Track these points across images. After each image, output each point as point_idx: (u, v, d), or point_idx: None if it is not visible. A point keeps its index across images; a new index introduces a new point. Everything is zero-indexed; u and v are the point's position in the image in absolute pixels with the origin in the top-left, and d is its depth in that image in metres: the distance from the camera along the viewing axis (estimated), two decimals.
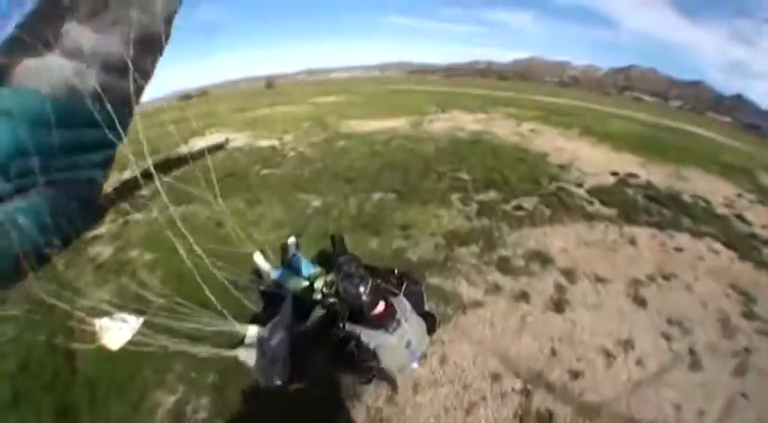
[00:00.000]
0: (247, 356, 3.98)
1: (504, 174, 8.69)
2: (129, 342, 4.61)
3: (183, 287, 5.12)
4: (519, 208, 7.48)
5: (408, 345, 2.96)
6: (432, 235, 6.55)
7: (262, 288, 4.88)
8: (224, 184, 8.32)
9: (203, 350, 4.25)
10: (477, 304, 5.12)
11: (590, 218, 7.25)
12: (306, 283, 4.27)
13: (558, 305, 5.13)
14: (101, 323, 4.93)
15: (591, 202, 7.84)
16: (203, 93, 66.19)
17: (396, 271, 3.40)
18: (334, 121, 14.06)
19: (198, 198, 7.71)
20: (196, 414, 3.95)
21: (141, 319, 4.92)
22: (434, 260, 5.93)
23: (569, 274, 5.71)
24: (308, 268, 4.63)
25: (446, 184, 8.20)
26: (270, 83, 60.59)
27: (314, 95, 27.05)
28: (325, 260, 5.38)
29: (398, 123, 12.61)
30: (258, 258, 5.37)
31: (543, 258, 6.07)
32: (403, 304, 3.06)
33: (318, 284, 4.06)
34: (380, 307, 2.92)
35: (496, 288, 5.41)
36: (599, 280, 5.61)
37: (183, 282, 5.21)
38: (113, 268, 6.33)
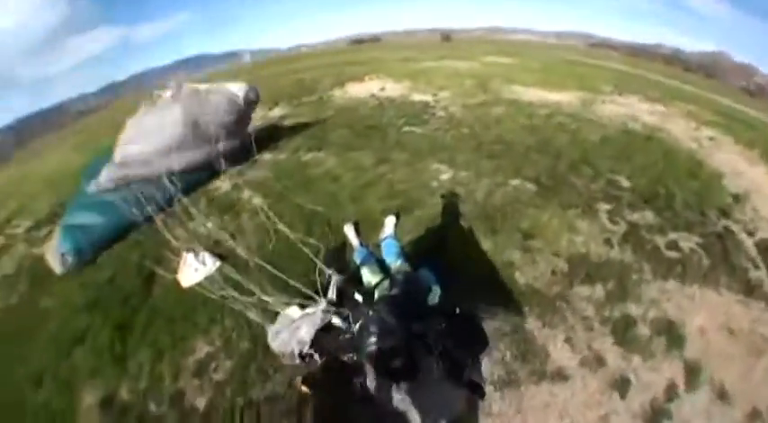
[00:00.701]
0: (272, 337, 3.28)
1: (671, 189, 6.37)
2: (199, 282, 4.68)
3: (272, 243, 5.17)
4: (674, 246, 5.18)
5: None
6: (555, 255, 4.88)
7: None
8: (361, 135, 7.96)
9: (253, 314, 3.87)
10: (562, 377, 3.66)
11: (749, 290, 4.73)
12: (376, 280, 3.34)
13: (655, 416, 3.43)
14: (186, 257, 4.94)
15: (756, 266, 5.13)
16: (375, 39, 67.73)
17: (457, 310, 2.27)
18: (498, 83, 12.55)
19: (329, 146, 7.47)
20: (215, 373, 3.89)
21: (218, 264, 4.98)
22: (543, 293, 4.40)
23: (691, 373, 3.75)
24: (393, 257, 3.71)
25: (599, 187, 6.26)
26: (446, 36, 58.88)
27: (486, 54, 25.01)
28: (421, 252, 4.62)
29: (566, 98, 10.63)
30: (349, 230, 4.99)
31: (673, 336, 4.06)
32: (430, 364, 1.97)
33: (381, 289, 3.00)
34: (397, 362, 1.92)
35: (598, 361, 3.81)
36: (722, 396, 3.60)
37: (274, 237, 5.21)
38: (222, 205, 6.47)
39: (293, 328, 3.06)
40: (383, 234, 4.73)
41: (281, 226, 4.60)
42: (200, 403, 3.68)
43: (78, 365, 4.38)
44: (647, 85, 14.02)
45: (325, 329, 2.44)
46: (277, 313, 3.76)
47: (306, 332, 2.92)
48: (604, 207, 5.72)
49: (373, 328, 1.95)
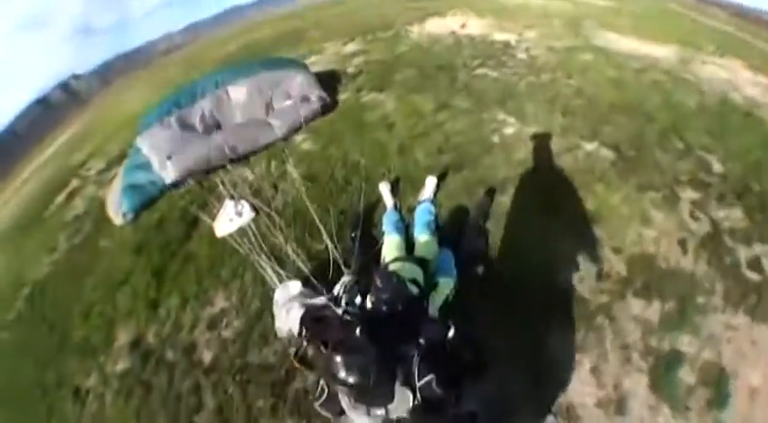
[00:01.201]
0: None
1: (766, 185, 4.71)
2: (231, 234, 4.77)
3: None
4: (756, 265, 3.81)
5: None
6: (615, 251, 3.91)
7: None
8: (428, 76, 7.45)
9: (268, 276, 3.97)
10: (573, 417, 2.94)
11: None
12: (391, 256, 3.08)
13: None
14: (226, 205, 4.99)
15: None
16: None
17: (451, 332, 1.99)
18: (590, 27, 10.84)
19: (393, 86, 7.08)
20: (225, 330, 3.97)
21: (252, 216, 4.99)
22: (585, 301, 3.52)
23: None
24: (421, 228, 3.55)
25: (687, 167, 4.90)
26: None
27: None
28: (457, 224, 4.28)
29: (664, 53, 8.78)
30: (384, 189, 4.63)
31: (720, 391, 3.03)
32: (406, 396, 1.78)
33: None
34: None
35: (619, 406, 2.98)
36: None
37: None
38: (272, 148, 6.38)
39: (288, 308, 3.04)
40: (421, 196, 4.40)
41: (305, 198, 4.56)
42: (207, 358, 3.80)
43: (119, 305, 4.72)
44: (752, 51, 11.29)
45: (319, 320, 2.18)
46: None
47: (296, 316, 2.82)
48: (689, 195, 4.50)
49: (347, 361, 1.74)
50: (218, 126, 6.58)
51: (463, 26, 11.53)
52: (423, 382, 1.77)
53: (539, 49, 8.73)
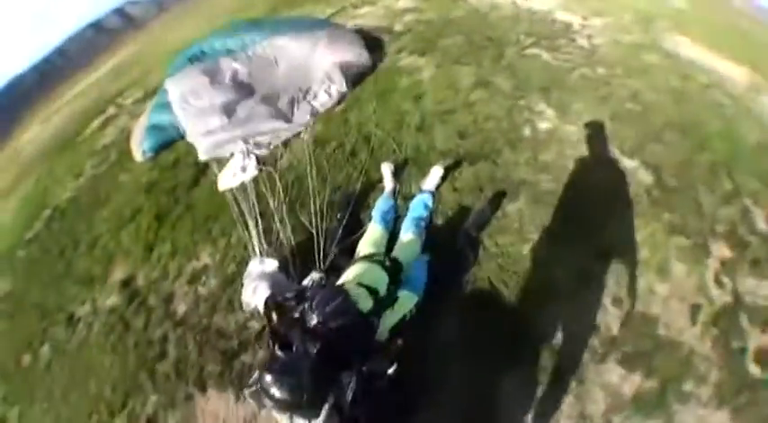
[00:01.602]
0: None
1: None
2: (231, 188, 4.74)
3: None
4: (763, 357, 3.15)
5: None
6: (615, 302, 3.38)
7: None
8: (475, 46, 6.93)
9: (251, 243, 4.00)
10: None
11: None
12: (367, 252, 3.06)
13: None
14: (234, 158, 5.06)
15: None
16: None
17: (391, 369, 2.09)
18: (662, 28, 9.62)
19: (435, 53, 6.70)
20: (202, 287, 4.17)
21: (254, 174, 4.89)
22: (559, 351, 3.18)
23: None
24: (409, 225, 3.48)
25: (728, 217, 3.95)
26: None
27: None
28: (452, 228, 3.95)
29: (734, 73, 7.60)
30: (386, 170, 4.29)
31: None
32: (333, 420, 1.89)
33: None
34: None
35: None
36: None
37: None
38: None
39: (256, 285, 3.19)
40: (423, 184, 4.12)
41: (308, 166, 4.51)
42: (180, 310, 4.05)
43: (122, 242, 5.05)
44: None
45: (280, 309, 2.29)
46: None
47: (260, 296, 2.97)
48: (722, 252, 3.71)
49: (279, 379, 1.81)
50: (250, 92, 6.01)
51: None
52: (351, 416, 1.86)
53: (602, 38, 7.82)
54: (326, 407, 1.85)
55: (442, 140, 4.82)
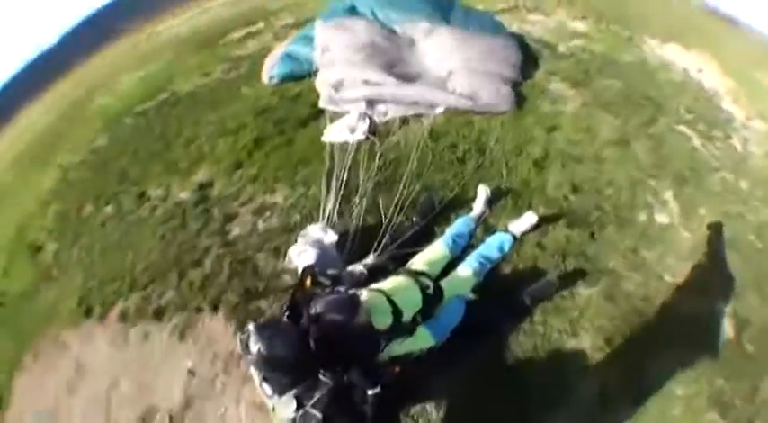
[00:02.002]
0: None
1: None
2: (333, 143, 4.78)
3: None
4: None
5: None
6: None
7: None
8: (630, 101, 5.99)
9: (323, 206, 4.01)
10: None
11: None
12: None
13: None
14: (349, 114, 5.19)
15: None
16: None
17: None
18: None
19: (587, 90, 6.12)
20: (262, 222, 4.29)
21: (360, 138, 4.85)
22: None
23: None
24: (476, 266, 3.21)
25: None
26: None
27: None
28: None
29: None
30: (481, 193, 3.95)
31: None
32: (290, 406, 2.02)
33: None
34: None
35: None
36: None
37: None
38: None
39: (306, 249, 3.28)
40: (510, 225, 3.67)
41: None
42: (234, 233, 4.22)
43: (216, 150, 5.31)
44: None
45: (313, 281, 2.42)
46: None
47: (303, 261, 3.16)
48: None
49: (271, 340, 1.92)
50: (388, 62, 5.77)
51: (700, 71, 9.70)
52: (309, 412, 1.97)
53: (758, 148, 6.87)
54: (291, 393, 1.97)
55: (553, 185, 4.41)
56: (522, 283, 3.42)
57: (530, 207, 3.97)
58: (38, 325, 4.29)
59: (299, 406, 2.02)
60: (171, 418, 3.37)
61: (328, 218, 3.82)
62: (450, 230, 3.48)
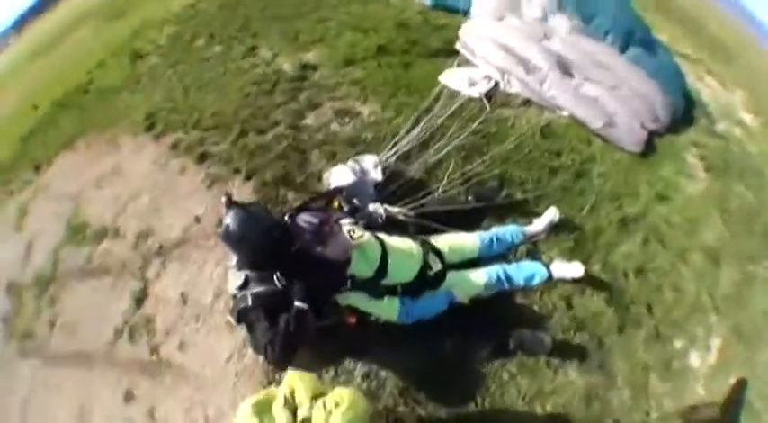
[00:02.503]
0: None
1: None
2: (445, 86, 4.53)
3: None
4: None
5: None
6: None
7: None
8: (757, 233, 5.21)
9: (394, 143, 3.82)
10: None
11: None
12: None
13: None
14: (477, 67, 4.90)
15: None
16: None
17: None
18: None
19: (720, 180, 5.18)
20: (338, 125, 4.18)
21: (471, 95, 4.49)
22: None
23: None
24: (494, 277, 2.89)
25: None
26: None
27: None
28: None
29: None
30: (549, 216, 3.45)
31: None
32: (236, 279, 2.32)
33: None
34: None
35: None
36: None
37: None
38: None
39: (348, 169, 3.26)
40: (555, 263, 3.19)
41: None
42: (307, 121, 4.19)
43: (345, 40, 5.24)
44: None
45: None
46: None
47: (337, 181, 3.20)
48: None
49: (254, 221, 2.10)
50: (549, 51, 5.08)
51: None
52: (245, 295, 2.17)
53: None
54: (244, 272, 2.22)
55: (622, 253, 3.68)
56: (523, 324, 3.00)
57: (586, 259, 3.40)
58: (105, 120, 4.60)
59: (244, 286, 2.21)
60: (161, 246, 3.57)
61: (395, 152, 3.63)
62: (496, 231, 3.16)
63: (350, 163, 3.34)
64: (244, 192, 3.56)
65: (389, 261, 2.40)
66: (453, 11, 5.74)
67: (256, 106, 4.36)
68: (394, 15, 5.64)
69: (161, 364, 3.12)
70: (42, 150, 5.32)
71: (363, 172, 3.29)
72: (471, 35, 5.08)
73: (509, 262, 3.05)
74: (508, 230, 3.19)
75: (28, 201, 4.77)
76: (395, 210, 3.05)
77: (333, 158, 3.74)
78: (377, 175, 3.31)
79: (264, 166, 3.74)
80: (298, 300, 2.08)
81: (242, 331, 2.70)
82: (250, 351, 2.80)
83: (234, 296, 2.30)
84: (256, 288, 2.18)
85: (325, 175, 3.43)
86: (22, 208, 4.73)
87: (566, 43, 5.10)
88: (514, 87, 4.71)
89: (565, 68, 4.85)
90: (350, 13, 5.68)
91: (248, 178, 3.67)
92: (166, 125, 4.41)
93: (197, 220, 3.52)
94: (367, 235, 2.42)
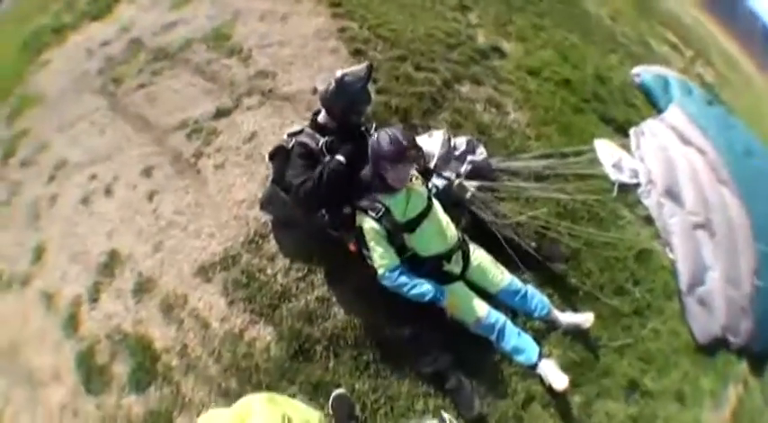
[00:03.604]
0: None
1: None
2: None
3: None
4: None
5: None
6: None
7: None
8: None
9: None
10: None
11: None
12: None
13: None
14: (623, 157, 4.61)
15: None
16: None
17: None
18: None
19: None
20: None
21: (624, 181, 4.32)
22: None
23: None
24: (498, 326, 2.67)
25: None
26: None
27: None
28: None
29: None
30: (585, 318, 3.11)
31: None
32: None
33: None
34: None
35: None
36: None
37: None
38: None
39: (439, 139, 3.30)
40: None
41: None
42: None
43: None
44: None
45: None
46: None
47: (428, 146, 3.18)
48: None
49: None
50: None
51: None
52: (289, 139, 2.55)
53: None
54: (296, 138, 2.49)
55: (610, 408, 3.12)
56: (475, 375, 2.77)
57: (577, 383, 3.00)
58: None
59: (295, 134, 2.55)
60: (270, 90, 3.83)
61: (507, 164, 3.67)
62: (529, 288, 2.92)
63: (451, 136, 3.37)
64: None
65: (423, 224, 2.40)
66: (652, 103, 5.59)
67: (431, 47, 4.43)
68: (600, 67, 5.58)
69: (191, 167, 3.33)
70: None
71: (455, 148, 3.31)
72: (648, 131, 4.89)
73: (515, 322, 2.83)
74: (539, 298, 2.95)
75: None
76: (470, 185, 3.06)
77: (456, 128, 3.72)
78: (473, 159, 3.33)
79: (397, 94, 3.79)
80: (341, 155, 2.26)
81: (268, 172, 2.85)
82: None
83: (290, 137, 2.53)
84: (304, 139, 2.41)
85: (429, 133, 3.43)
86: None
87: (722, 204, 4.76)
88: (648, 201, 4.45)
89: (704, 225, 4.55)
90: (566, 38, 5.68)
91: (378, 92, 3.71)
92: (348, 11, 4.61)
93: (313, 91, 3.61)
94: (424, 188, 2.47)
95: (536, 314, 2.91)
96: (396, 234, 2.36)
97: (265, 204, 2.80)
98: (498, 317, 2.64)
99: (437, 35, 4.65)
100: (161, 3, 5.22)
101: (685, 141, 4.90)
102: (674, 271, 3.93)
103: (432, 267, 2.47)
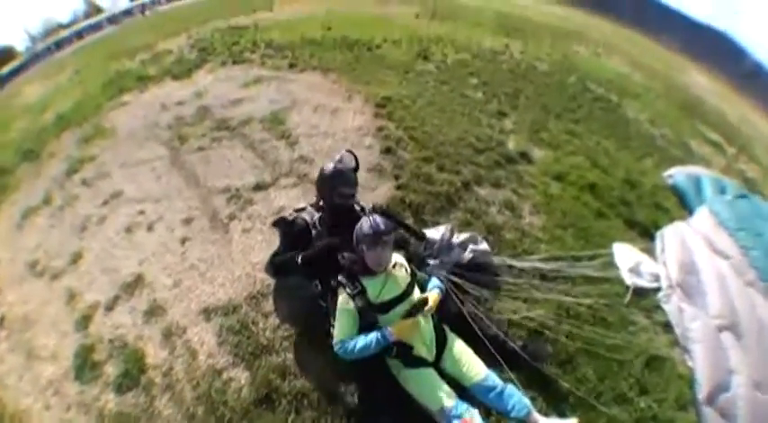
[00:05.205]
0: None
1: None
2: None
3: None
4: None
5: None
6: None
7: None
8: None
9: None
10: None
11: None
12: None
13: None
14: (643, 262, 4.64)
15: None
16: None
17: None
18: None
19: None
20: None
21: (641, 285, 4.39)
22: None
23: None
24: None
25: None
26: None
27: None
28: None
29: None
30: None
31: None
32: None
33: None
34: None
35: None
36: None
37: None
38: None
39: (443, 231, 3.70)
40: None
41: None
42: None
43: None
44: None
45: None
46: None
47: (432, 234, 3.67)
48: None
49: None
50: None
51: None
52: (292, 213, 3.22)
53: None
54: (299, 215, 3.13)
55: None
56: None
57: None
58: (366, 72, 5.83)
59: (299, 210, 3.19)
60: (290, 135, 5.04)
61: (509, 264, 3.91)
62: (508, 387, 2.76)
63: (452, 231, 3.71)
64: (384, 194, 4.31)
65: (396, 308, 2.67)
66: (684, 205, 5.74)
67: (458, 150, 5.02)
68: (632, 170, 5.89)
69: (223, 226, 4.22)
70: None
71: (451, 246, 3.61)
72: (674, 234, 4.96)
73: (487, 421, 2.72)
74: (519, 398, 2.72)
75: None
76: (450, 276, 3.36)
77: (465, 226, 4.11)
78: (475, 250, 3.65)
79: (414, 190, 4.36)
80: (333, 239, 2.87)
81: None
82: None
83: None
84: (305, 215, 3.07)
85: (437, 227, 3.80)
86: None
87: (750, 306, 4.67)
88: (668, 306, 4.25)
89: (729, 327, 4.51)
90: (599, 143, 6.14)
91: (397, 188, 4.38)
92: (389, 112, 5.46)
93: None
94: (406, 275, 2.77)
95: (512, 414, 2.68)
96: (368, 313, 2.63)
97: (269, 269, 3.26)
98: (467, 408, 2.58)
99: (468, 139, 5.24)
100: (235, 79, 6.44)
101: (711, 245, 4.91)
102: (691, 380, 3.66)
103: (400, 350, 2.64)
